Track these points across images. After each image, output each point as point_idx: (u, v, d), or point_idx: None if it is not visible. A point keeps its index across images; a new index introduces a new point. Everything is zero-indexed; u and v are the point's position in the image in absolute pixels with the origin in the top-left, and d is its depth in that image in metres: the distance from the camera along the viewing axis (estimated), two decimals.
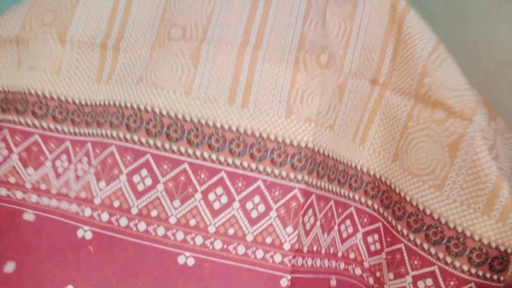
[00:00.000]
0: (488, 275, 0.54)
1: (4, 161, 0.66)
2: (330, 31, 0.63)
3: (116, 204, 0.62)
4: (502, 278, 0.54)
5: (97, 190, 0.63)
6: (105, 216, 0.62)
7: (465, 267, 0.55)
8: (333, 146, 0.64)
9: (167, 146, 0.62)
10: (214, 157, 0.62)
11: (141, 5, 0.68)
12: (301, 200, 0.60)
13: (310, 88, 0.62)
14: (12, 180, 0.66)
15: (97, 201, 0.63)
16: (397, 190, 0.63)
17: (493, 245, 0.53)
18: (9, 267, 0.62)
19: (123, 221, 0.61)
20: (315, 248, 0.63)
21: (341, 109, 0.63)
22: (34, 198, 0.65)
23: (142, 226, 0.61)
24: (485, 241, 0.53)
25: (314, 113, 0.61)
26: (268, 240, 0.60)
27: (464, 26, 0.79)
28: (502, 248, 0.53)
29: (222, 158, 0.62)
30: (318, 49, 0.62)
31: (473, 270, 0.54)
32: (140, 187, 0.62)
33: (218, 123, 0.62)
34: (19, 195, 0.66)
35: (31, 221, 0.64)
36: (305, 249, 0.61)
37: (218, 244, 0.60)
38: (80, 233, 0.62)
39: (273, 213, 0.60)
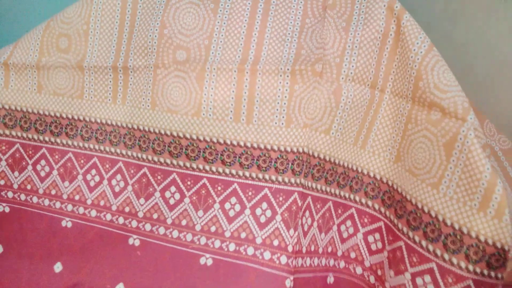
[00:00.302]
0: (485, 272, 0.54)
1: (47, 177, 0.79)
2: (327, 40, 0.65)
3: (155, 216, 0.72)
4: (500, 276, 0.54)
5: (138, 205, 0.73)
6: (148, 227, 0.71)
7: (463, 264, 0.55)
8: (330, 149, 0.66)
9: (188, 164, 0.70)
10: (227, 171, 0.68)
11: (142, 21, 0.74)
12: (300, 203, 0.63)
13: (307, 95, 0.65)
14: (53, 192, 0.77)
15: (140, 214, 0.73)
16: (399, 190, 0.64)
17: (490, 241, 0.54)
18: (58, 267, 0.73)
19: (161, 230, 0.71)
20: (312, 248, 0.65)
21: (337, 114, 0.65)
22: (69, 207, 0.76)
23: (175, 233, 0.70)
24: (482, 238, 0.54)
25: (309, 118, 0.63)
26: (275, 242, 0.64)
27: (463, 26, 0.80)
28: (498, 245, 0.53)
29: (234, 172, 0.68)
30: (314, 58, 0.65)
31: (471, 267, 0.55)
32: (172, 201, 0.71)
33: (228, 140, 0.68)
34: (57, 205, 0.77)
35: (68, 227, 0.76)
36: (304, 250, 0.64)
37: (232, 246, 0.66)
38: (130, 241, 0.72)
39: (278, 217, 0.64)
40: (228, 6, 0.70)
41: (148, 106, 0.72)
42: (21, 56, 0.79)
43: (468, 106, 0.56)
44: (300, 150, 0.64)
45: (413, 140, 0.62)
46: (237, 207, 0.67)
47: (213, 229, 0.68)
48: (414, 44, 0.61)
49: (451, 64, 0.65)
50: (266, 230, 0.65)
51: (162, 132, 0.71)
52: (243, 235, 0.65)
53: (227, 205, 0.68)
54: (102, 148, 0.76)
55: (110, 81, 0.76)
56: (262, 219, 0.65)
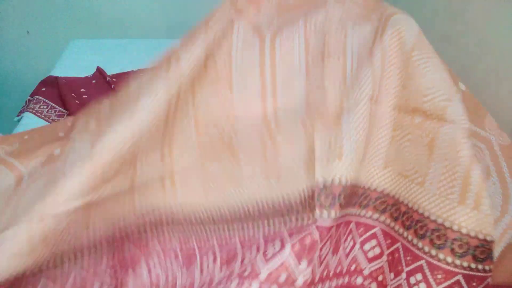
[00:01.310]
0: (473, 265, 0.54)
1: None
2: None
3: None
4: (487, 268, 0.53)
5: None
6: None
7: (449, 259, 0.55)
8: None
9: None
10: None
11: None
12: (316, 237, 0.58)
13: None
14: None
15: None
16: (391, 194, 0.65)
17: (472, 234, 0.54)
18: None
19: None
20: (325, 274, 0.63)
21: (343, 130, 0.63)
22: None
23: None
24: (464, 231, 0.54)
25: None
26: (282, 278, 0.57)
27: (464, 26, 0.80)
28: (481, 236, 0.53)
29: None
30: (321, 108, 0.66)
31: (458, 262, 0.55)
32: None
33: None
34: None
35: None
36: (316, 278, 0.60)
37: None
38: None
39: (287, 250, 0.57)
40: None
41: None
42: None
43: (445, 104, 0.58)
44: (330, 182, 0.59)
45: (400, 144, 0.65)
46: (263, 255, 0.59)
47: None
48: (402, 41, 0.63)
49: (451, 64, 0.66)
50: (271, 265, 0.57)
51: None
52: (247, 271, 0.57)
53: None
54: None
55: None
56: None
